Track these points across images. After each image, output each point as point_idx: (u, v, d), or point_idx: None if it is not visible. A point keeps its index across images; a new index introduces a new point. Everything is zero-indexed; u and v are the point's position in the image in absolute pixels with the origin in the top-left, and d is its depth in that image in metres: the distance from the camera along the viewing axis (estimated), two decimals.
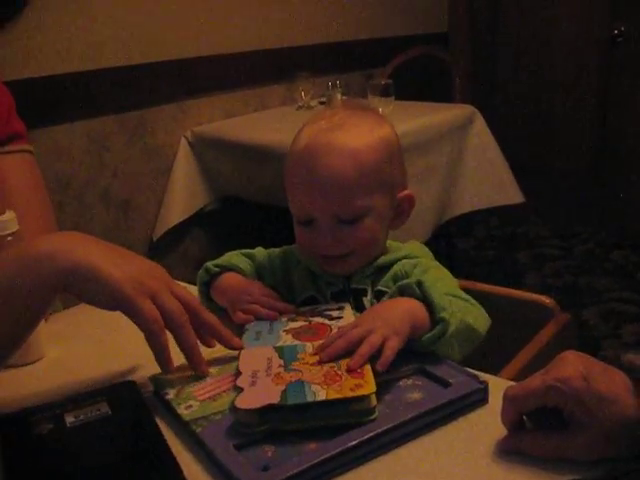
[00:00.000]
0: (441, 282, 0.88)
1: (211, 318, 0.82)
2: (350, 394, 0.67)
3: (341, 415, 0.67)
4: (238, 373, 0.74)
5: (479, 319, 0.87)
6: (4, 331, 0.72)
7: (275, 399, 0.67)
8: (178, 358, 0.78)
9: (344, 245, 0.91)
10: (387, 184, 0.93)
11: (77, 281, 0.72)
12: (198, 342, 0.79)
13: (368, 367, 0.72)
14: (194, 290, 0.98)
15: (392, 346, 0.74)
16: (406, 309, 0.80)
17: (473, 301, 0.89)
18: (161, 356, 0.75)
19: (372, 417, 0.67)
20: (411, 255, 0.95)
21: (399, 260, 0.94)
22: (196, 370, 0.78)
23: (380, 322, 0.76)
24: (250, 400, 0.67)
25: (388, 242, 0.99)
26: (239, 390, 0.70)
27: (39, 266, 0.71)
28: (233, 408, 0.69)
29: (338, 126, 0.91)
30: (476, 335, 0.86)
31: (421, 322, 0.79)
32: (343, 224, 0.90)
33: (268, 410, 0.66)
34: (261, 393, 0.68)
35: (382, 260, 0.95)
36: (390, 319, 0.77)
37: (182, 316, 0.76)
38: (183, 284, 0.94)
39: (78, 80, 2.19)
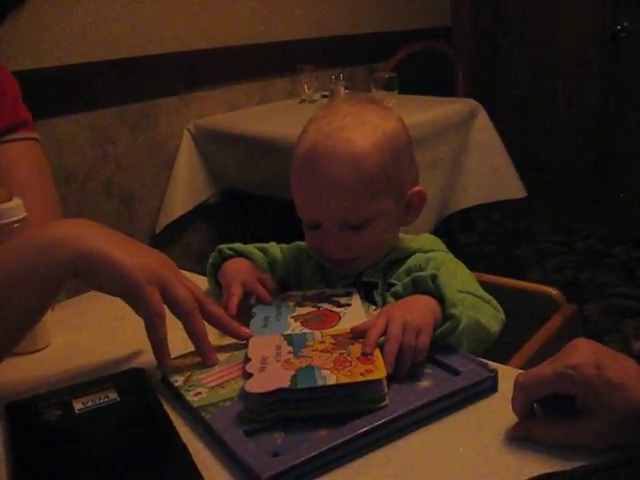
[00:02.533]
0: (455, 278, 0.87)
1: (217, 309, 0.81)
2: (360, 379, 0.67)
3: (351, 402, 0.67)
4: (247, 359, 0.74)
5: (491, 318, 0.86)
6: (16, 316, 0.72)
7: (285, 383, 0.66)
8: (187, 345, 0.78)
9: (351, 250, 0.90)
10: (395, 184, 0.91)
11: (88, 267, 0.72)
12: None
13: (378, 353, 0.72)
14: (198, 280, 0.98)
15: (425, 341, 0.74)
16: (426, 304, 0.79)
17: (488, 297, 0.89)
18: (159, 348, 0.75)
19: (382, 404, 0.67)
20: (424, 248, 0.94)
21: (412, 254, 0.94)
22: (204, 359, 0.78)
23: (409, 315, 0.75)
24: (260, 384, 0.67)
25: (400, 235, 0.98)
26: (248, 376, 0.70)
27: (52, 252, 0.71)
28: (243, 394, 0.69)
29: (340, 128, 0.88)
30: (486, 333, 0.85)
31: (438, 318, 0.78)
32: (350, 229, 0.89)
33: (277, 397, 0.66)
34: (271, 378, 0.68)
35: (394, 254, 0.94)
36: (417, 312, 0.76)
37: (192, 303, 0.76)
38: (189, 274, 0.94)
39: (80, 72, 2.19)
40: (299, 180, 0.91)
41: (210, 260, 1.01)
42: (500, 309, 0.89)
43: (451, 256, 0.95)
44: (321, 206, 0.89)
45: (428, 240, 0.98)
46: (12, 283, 0.71)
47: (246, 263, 0.98)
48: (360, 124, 0.89)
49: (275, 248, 1.05)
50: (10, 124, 1.06)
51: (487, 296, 0.89)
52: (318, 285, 0.96)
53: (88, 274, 0.73)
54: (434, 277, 0.80)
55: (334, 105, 0.99)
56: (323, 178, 0.87)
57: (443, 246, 0.98)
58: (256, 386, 0.67)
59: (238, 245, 1.01)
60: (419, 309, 0.77)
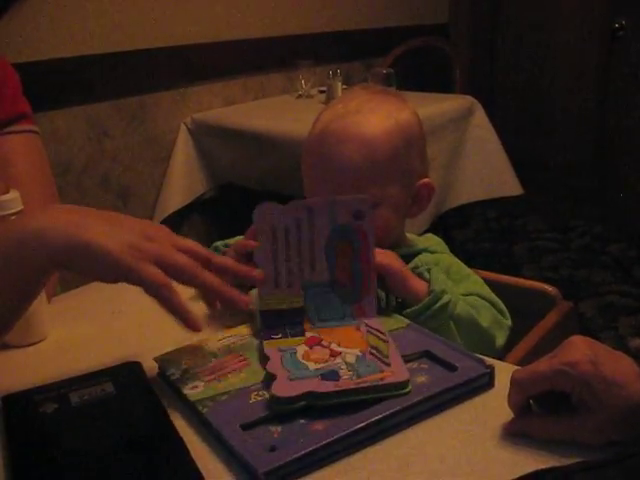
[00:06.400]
0: (466, 280, 0.91)
1: (225, 260, 0.76)
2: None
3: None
4: (264, 357, 0.74)
5: (491, 321, 0.88)
6: None
7: (314, 387, 0.67)
8: (184, 338, 0.78)
9: None
10: (403, 173, 0.92)
11: (73, 258, 0.67)
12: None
13: (399, 358, 0.73)
14: None
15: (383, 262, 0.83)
16: (421, 286, 0.86)
17: (496, 302, 0.91)
18: (183, 314, 0.69)
19: (406, 390, 0.68)
20: (431, 249, 0.95)
21: (419, 252, 0.95)
22: (233, 304, 0.72)
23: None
24: (288, 388, 0.67)
25: (406, 234, 0.99)
26: (271, 376, 0.70)
27: (27, 246, 0.67)
28: (270, 395, 0.69)
29: (354, 112, 0.90)
30: (483, 333, 0.87)
31: (417, 289, 0.84)
32: None
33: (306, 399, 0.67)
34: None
35: (400, 250, 0.94)
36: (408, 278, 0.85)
37: (193, 266, 0.70)
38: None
39: (78, 65, 2.18)
40: (309, 159, 0.93)
41: None
42: (507, 316, 0.91)
43: (456, 260, 0.97)
44: (328, 187, 0.90)
45: (433, 240, 0.99)
46: None
47: None
48: (374, 110, 0.91)
49: None
50: (10, 116, 1.06)
51: (496, 300, 0.90)
52: None
53: (75, 265, 0.68)
54: (429, 270, 0.86)
55: (352, 91, 1.00)
56: (333, 158, 0.89)
57: (446, 248, 0.99)
58: (284, 390, 0.67)
59: (231, 241, 1.01)
60: (411, 281, 0.84)
